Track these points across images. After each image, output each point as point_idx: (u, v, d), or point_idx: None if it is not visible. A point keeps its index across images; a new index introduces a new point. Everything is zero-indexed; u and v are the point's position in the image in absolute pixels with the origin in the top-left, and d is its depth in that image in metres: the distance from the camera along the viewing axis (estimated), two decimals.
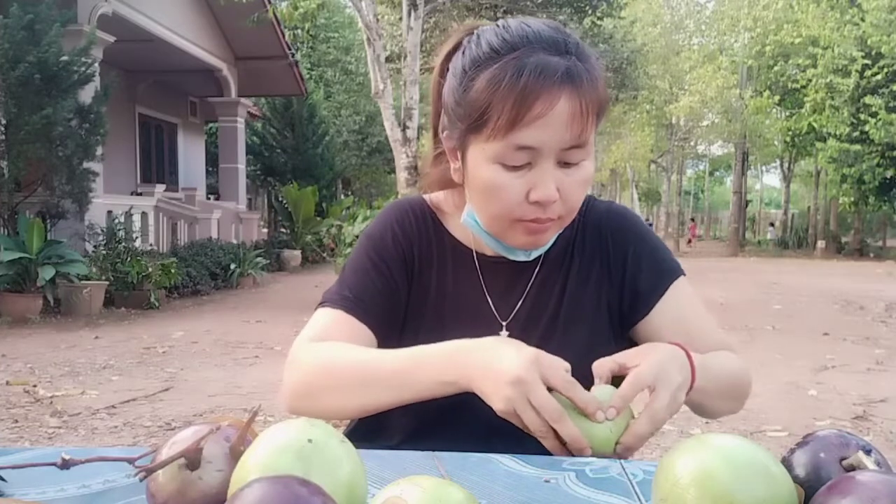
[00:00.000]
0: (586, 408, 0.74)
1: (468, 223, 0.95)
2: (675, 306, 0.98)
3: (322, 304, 0.97)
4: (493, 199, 0.87)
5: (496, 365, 0.75)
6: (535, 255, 0.97)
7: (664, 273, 0.99)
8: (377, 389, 0.84)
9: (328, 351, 0.89)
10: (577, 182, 0.87)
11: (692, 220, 35.03)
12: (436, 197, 1.04)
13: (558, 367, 0.75)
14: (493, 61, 0.83)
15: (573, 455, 0.75)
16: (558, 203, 0.86)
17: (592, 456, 0.74)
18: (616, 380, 0.79)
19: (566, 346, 0.96)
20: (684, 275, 1.01)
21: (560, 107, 0.81)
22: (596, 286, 1.00)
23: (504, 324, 0.98)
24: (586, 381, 0.77)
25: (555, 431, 0.73)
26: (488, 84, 0.83)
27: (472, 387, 0.77)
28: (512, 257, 0.97)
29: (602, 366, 0.80)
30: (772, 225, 34.23)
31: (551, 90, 0.80)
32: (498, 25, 0.88)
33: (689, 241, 30.83)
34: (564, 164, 0.85)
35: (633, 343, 0.98)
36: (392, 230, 1.01)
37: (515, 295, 0.99)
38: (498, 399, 0.74)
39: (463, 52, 0.89)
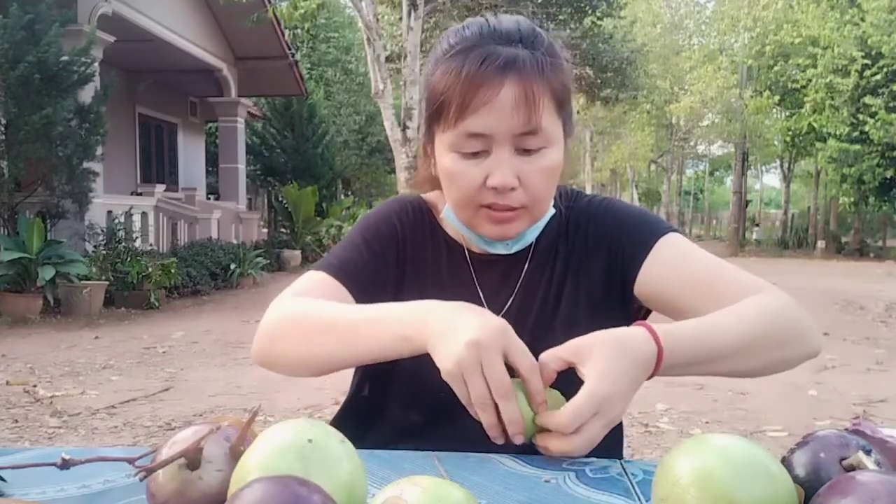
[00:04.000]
0: (535, 398, 0.72)
1: (448, 217, 0.97)
2: (670, 260, 0.94)
3: (311, 268, 0.99)
4: (454, 187, 0.90)
5: (456, 325, 0.73)
6: (515, 248, 0.97)
7: (646, 233, 0.97)
8: (334, 340, 0.83)
9: (302, 303, 0.89)
10: (537, 170, 0.88)
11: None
12: (432, 196, 1.07)
13: (524, 348, 0.73)
14: (448, 56, 0.88)
15: (505, 437, 0.73)
16: (520, 191, 0.88)
17: (519, 442, 0.73)
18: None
19: (556, 337, 0.96)
20: (677, 232, 0.98)
21: (504, 93, 0.84)
22: (580, 276, 1.00)
23: None
24: (572, 374, 0.76)
25: (496, 408, 0.71)
26: (440, 77, 0.88)
27: (427, 346, 0.75)
28: (492, 250, 0.97)
29: (547, 365, 0.75)
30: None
31: (494, 77, 0.84)
32: (462, 25, 0.92)
33: None
34: (524, 151, 0.87)
35: (639, 311, 1.00)
36: (389, 218, 1.03)
37: (507, 291, 1.00)
38: (448, 358, 0.71)
39: (431, 55, 0.94)
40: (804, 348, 0.89)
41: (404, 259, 1.02)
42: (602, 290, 0.99)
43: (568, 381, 0.76)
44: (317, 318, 0.85)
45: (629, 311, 1.01)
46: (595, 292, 1.00)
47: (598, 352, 0.74)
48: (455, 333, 0.72)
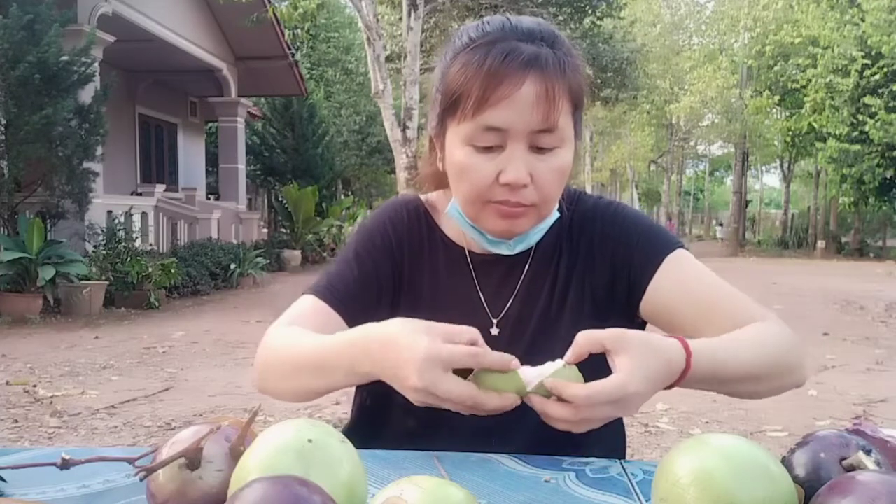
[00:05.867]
0: (501, 367, 0.72)
1: (452, 214, 0.96)
2: (678, 278, 0.95)
3: (304, 292, 1.01)
4: (465, 180, 0.89)
5: (399, 367, 0.73)
6: (519, 248, 0.96)
7: (657, 248, 0.97)
8: (308, 376, 0.86)
9: (284, 338, 0.91)
10: (550, 168, 0.88)
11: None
12: (432, 196, 1.06)
13: (454, 350, 0.71)
14: (468, 49, 0.88)
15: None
16: (531, 189, 0.87)
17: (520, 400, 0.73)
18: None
19: (557, 340, 0.96)
20: (684, 248, 0.99)
21: (525, 89, 0.84)
22: (585, 279, 0.99)
23: (495, 321, 0.98)
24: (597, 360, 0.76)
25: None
26: (461, 68, 0.88)
27: (379, 377, 0.77)
28: (495, 250, 0.96)
29: (581, 345, 0.75)
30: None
31: (516, 73, 0.84)
32: (482, 21, 0.92)
33: None
34: (537, 149, 0.87)
35: (641, 324, 0.99)
36: (383, 226, 1.03)
37: (507, 292, 1.00)
38: (413, 400, 0.74)
39: (447, 49, 0.94)
40: (797, 378, 0.93)
41: (401, 266, 1.01)
42: (606, 295, 0.99)
43: (592, 366, 0.75)
44: (293, 357, 0.88)
45: (631, 322, 0.99)
46: (599, 298, 0.99)
47: (637, 350, 0.74)
48: (400, 380, 0.73)
